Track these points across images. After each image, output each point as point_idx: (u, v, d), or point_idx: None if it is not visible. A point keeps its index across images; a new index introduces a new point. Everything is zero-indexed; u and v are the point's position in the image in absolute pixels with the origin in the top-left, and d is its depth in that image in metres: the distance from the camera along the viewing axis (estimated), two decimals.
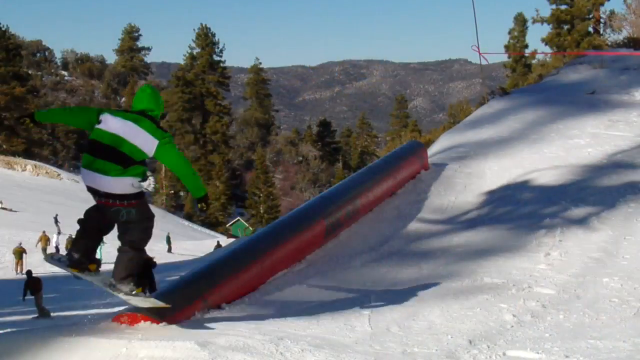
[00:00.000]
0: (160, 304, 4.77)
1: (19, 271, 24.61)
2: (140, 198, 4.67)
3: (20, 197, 45.07)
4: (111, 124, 4.61)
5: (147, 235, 4.81)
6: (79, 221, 4.89)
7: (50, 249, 28.98)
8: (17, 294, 17.49)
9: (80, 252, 4.84)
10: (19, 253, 25.46)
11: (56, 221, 36.72)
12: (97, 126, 4.64)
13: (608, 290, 5.84)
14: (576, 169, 10.01)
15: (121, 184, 4.55)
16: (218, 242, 37.29)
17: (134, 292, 4.75)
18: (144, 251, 4.91)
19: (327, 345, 4.44)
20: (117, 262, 4.83)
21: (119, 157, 4.52)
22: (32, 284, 16.44)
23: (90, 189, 4.66)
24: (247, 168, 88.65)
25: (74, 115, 4.94)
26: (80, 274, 4.85)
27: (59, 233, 33.99)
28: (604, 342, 4.55)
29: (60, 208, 44.67)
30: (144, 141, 4.55)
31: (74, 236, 5.17)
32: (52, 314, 15.44)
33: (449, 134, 14.31)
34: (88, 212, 4.85)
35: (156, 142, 4.54)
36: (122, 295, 4.76)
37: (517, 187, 9.36)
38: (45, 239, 28.69)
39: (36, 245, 28.55)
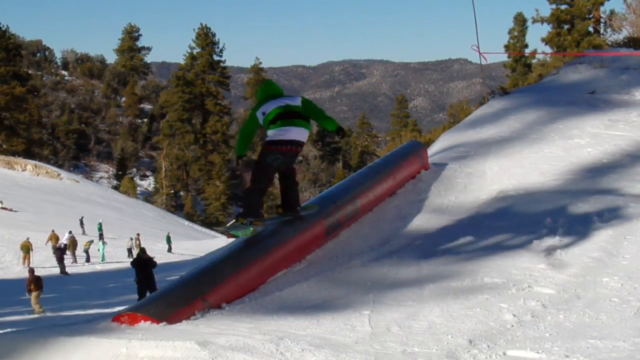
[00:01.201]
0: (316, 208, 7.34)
1: (25, 265, 25.02)
2: None
3: (20, 197, 45.06)
4: (276, 103, 6.61)
5: None
6: (256, 184, 6.67)
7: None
8: (17, 293, 17.54)
9: (262, 209, 6.83)
10: (26, 247, 25.92)
11: (82, 223, 37.02)
12: (269, 110, 6.56)
13: (608, 290, 5.84)
14: (576, 169, 10.01)
15: (308, 135, 6.73)
16: None
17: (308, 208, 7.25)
18: None
19: (327, 345, 4.44)
20: (293, 194, 7.03)
21: (301, 116, 6.63)
22: (34, 281, 16.70)
23: (290, 142, 6.54)
24: (247, 168, 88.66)
25: (252, 134, 6.74)
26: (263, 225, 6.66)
27: (83, 234, 34.36)
28: (604, 341, 4.55)
29: (60, 208, 44.67)
30: (297, 101, 6.72)
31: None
32: (52, 314, 15.48)
33: (449, 133, 14.29)
34: (267, 176, 6.71)
35: (300, 98, 6.82)
36: (304, 213, 7.07)
37: (517, 187, 9.36)
38: (55, 238, 28.93)
39: (46, 244, 28.89)
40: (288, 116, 6.53)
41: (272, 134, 6.51)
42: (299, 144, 6.60)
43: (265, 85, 6.94)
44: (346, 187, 8.60)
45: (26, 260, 25.67)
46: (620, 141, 11.35)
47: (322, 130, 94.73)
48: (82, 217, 37.70)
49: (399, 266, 6.87)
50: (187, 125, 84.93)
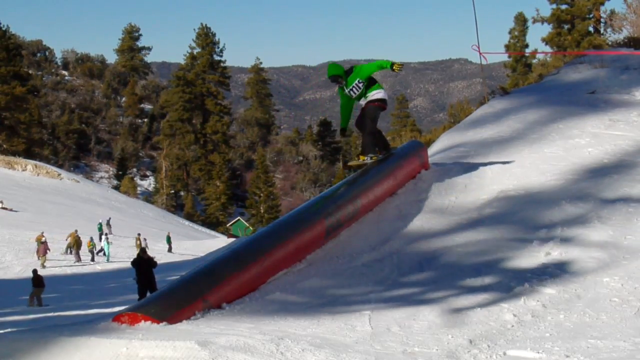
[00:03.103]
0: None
1: (39, 257, 25.97)
2: None
3: (20, 197, 45.08)
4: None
5: None
6: (372, 132, 8.75)
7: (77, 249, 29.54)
8: (17, 293, 17.63)
9: (376, 147, 8.91)
10: (40, 241, 26.78)
11: (108, 224, 37.35)
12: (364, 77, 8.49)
13: (608, 290, 5.83)
14: (576, 169, 10.00)
15: None
16: None
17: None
18: None
19: (327, 345, 4.45)
20: (385, 138, 9.32)
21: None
22: (37, 280, 17.40)
23: (386, 100, 8.73)
24: (247, 168, 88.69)
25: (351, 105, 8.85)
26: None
27: (109, 234, 34.56)
28: (604, 341, 4.55)
29: (60, 208, 44.69)
30: None
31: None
32: (52, 314, 15.51)
33: (449, 133, 14.28)
34: (377, 124, 8.71)
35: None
36: (393, 152, 9.33)
37: (517, 187, 9.35)
38: (74, 237, 29.17)
39: (66, 239, 29.39)
40: (376, 81, 8.57)
41: (378, 94, 8.50)
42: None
43: (335, 64, 8.57)
44: (347, 187, 8.63)
45: (40, 254, 26.57)
46: (620, 141, 11.33)
47: (322, 130, 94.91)
48: (110, 219, 38.14)
49: (400, 266, 6.87)
50: (188, 125, 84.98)
